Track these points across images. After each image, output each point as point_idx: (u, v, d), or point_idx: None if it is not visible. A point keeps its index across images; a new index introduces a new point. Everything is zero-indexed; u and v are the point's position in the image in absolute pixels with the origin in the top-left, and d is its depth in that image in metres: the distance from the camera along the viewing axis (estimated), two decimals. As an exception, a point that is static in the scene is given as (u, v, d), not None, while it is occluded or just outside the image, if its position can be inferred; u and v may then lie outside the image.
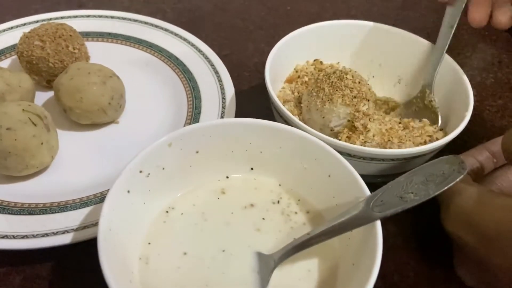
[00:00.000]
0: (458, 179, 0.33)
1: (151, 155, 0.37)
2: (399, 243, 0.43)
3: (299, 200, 0.40)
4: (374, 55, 0.53)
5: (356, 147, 0.39)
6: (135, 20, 0.59)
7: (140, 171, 0.36)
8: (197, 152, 0.39)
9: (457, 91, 0.46)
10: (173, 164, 0.38)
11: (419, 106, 0.49)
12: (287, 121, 0.41)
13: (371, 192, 0.35)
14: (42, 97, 0.51)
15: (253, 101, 0.53)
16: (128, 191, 0.35)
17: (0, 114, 0.40)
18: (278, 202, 0.40)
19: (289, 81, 0.51)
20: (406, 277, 0.41)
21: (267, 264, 0.35)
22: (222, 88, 0.51)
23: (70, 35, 0.50)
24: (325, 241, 0.35)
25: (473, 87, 0.46)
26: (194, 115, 0.49)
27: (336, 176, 0.38)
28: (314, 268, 0.36)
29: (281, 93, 0.49)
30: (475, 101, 0.45)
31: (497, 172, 0.38)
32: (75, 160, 0.46)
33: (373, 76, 0.53)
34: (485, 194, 0.35)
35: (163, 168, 0.38)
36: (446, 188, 0.33)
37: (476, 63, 0.64)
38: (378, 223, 0.33)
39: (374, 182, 0.38)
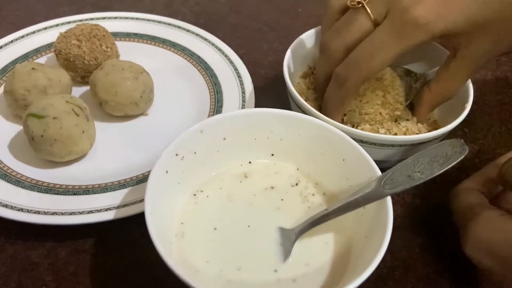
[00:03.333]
0: (459, 159, 0.37)
1: (185, 140, 0.41)
2: (406, 223, 0.47)
3: (316, 183, 0.44)
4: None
5: (368, 133, 0.43)
6: (159, 22, 0.64)
7: (176, 154, 0.40)
8: (224, 138, 0.44)
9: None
10: (203, 149, 0.43)
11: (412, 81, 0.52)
12: (304, 111, 0.46)
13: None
14: (77, 91, 0.55)
15: (269, 96, 0.57)
16: (167, 171, 0.39)
17: (47, 105, 0.44)
18: (297, 184, 0.44)
19: (304, 76, 0.55)
20: (413, 252, 0.45)
21: (289, 237, 0.39)
22: (241, 84, 0.56)
23: (103, 35, 0.54)
24: (340, 218, 0.39)
25: (473, 83, 0.49)
26: (216, 108, 0.53)
27: (350, 159, 0.42)
28: (331, 241, 0.40)
29: (297, 87, 0.54)
30: (475, 96, 0.48)
31: None
32: (110, 148, 0.50)
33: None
34: (498, 219, 0.37)
35: (195, 153, 0.42)
36: (449, 167, 0.37)
37: (476, 61, 0.68)
38: (389, 199, 0.37)
39: (382, 168, 0.42)
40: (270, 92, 0.59)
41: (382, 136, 0.43)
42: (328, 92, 0.46)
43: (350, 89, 0.44)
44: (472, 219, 0.38)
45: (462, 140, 0.38)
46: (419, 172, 0.37)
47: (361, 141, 0.43)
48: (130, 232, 0.44)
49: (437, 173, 0.37)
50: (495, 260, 0.36)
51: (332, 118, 0.44)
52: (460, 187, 0.42)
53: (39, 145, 0.45)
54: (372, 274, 0.33)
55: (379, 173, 0.39)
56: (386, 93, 0.48)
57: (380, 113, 0.47)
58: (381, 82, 0.48)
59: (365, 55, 0.42)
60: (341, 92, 0.44)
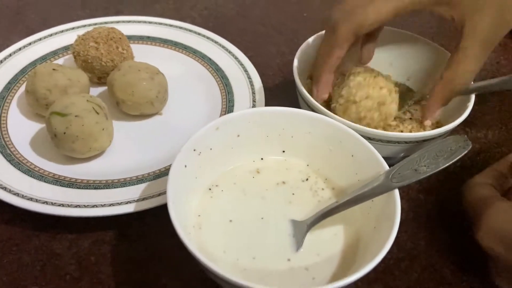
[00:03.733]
0: (463, 154, 0.39)
1: (202, 136, 0.43)
2: (411, 217, 0.49)
3: (326, 179, 0.46)
4: (385, 55, 0.58)
5: (375, 131, 0.45)
6: (171, 25, 0.66)
7: (194, 150, 0.42)
8: (238, 136, 0.46)
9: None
10: (219, 145, 0.45)
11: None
12: (314, 110, 0.48)
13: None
14: (94, 92, 0.57)
15: (277, 96, 0.60)
16: (185, 166, 0.41)
17: (69, 104, 0.47)
18: (307, 179, 0.47)
19: (311, 77, 0.58)
20: (417, 245, 0.47)
21: (301, 229, 0.41)
22: (251, 84, 0.58)
23: (120, 38, 0.56)
24: (349, 211, 0.41)
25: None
26: (228, 107, 0.56)
27: (358, 155, 0.44)
28: (340, 232, 0.42)
29: (305, 88, 0.56)
30: (475, 97, 0.51)
31: None
32: (127, 145, 0.52)
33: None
34: (510, 209, 0.38)
35: (211, 149, 0.44)
36: (453, 161, 0.39)
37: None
38: (396, 192, 0.39)
39: (388, 164, 0.44)
40: (279, 93, 0.61)
41: (389, 133, 0.46)
42: (320, 45, 0.47)
43: (340, 36, 0.44)
44: (485, 209, 0.39)
45: (466, 136, 0.41)
46: (425, 166, 0.39)
47: (368, 138, 0.45)
48: (147, 224, 0.46)
49: (442, 167, 0.39)
50: (506, 247, 0.38)
51: (319, 74, 0.46)
52: (472, 181, 0.44)
53: (61, 142, 0.47)
54: (380, 264, 0.35)
55: (387, 167, 0.41)
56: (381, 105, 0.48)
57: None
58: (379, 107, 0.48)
59: (363, 3, 0.42)
60: (330, 40, 0.45)
